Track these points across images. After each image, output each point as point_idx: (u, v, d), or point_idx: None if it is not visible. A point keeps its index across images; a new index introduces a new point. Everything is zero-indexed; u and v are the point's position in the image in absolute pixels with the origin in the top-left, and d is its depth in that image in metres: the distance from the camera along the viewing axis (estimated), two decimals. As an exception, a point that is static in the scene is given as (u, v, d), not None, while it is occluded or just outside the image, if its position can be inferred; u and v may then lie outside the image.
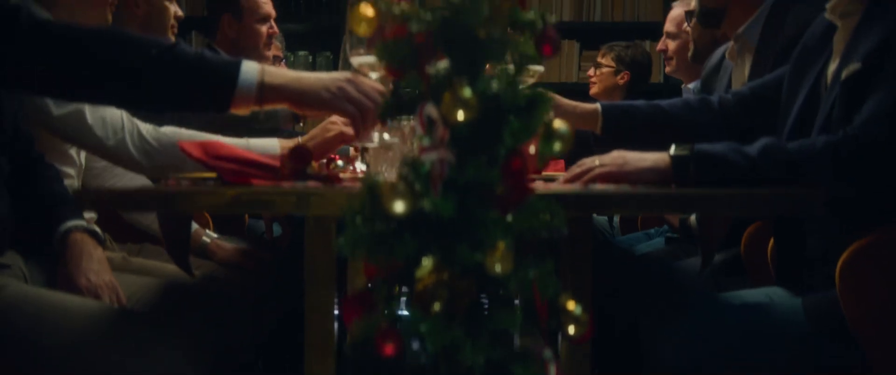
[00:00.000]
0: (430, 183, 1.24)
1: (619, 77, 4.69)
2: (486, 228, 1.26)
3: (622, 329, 2.48)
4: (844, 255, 1.76)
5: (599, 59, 4.75)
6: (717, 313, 1.99)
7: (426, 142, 1.24)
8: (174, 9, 3.11)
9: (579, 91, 5.65)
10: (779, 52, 2.53)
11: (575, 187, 1.65)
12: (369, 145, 1.96)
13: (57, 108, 2.34)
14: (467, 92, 1.22)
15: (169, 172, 2.40)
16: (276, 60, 4.43)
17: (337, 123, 2.46)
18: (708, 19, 2.88)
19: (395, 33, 1.31)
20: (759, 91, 2.41)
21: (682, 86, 4.17)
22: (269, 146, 2.53)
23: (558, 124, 1.33)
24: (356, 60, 1.96)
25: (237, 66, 1.76)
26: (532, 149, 1.29)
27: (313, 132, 2.54)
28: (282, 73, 1.81)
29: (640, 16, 6.40)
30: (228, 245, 2.71)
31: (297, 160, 1.79)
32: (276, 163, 1.81)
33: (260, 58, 3.80)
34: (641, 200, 1.55)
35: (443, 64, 1.27)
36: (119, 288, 2.13)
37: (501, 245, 1.25)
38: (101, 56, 1.72)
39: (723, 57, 3.06)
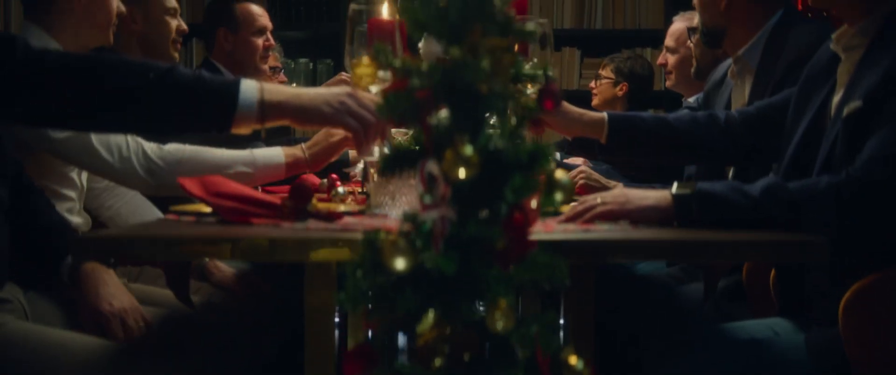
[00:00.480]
0: (431, 240, 1.23)
1: (618, 88, 4.69)
2: (487, 284, 1.26)
3: (623, 352, 2.48)
4: (847, 295, 1.75)
5: (600, 71, 4.76)
6: (720, 347, 1.98)
7: (428, 199, 1.24)
8: (176, 23, 3.06)
9: (580, 98, 5.62)
10: (779, 76, 2.53)
11: (577, 231, 1.64)
12: (370, 159, 1.96)
13: (60, 132, 2.34)
14: (469, 149, 1.21)
15: (174, 190, 2.40)
16: (274, 70, 4.42)
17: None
18: (709, 39, 2.88)
19: (397, 86, 1.31)
20: (765, 112, 2.42)
21: (683, 99, 4.16)
22: (273, 155, 2.54)
23: (559, 175, 1.32)
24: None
25: (236, 86, 1.76)
26: (534, 204, 1.29)
27: (317, 137, 2.55)
28: (281, 90, 1.81)
29: (641, 23, 6.38)
30: (227, 268, 2.71)
31: (299, 199, 1.78)
32: (277, 201, 1.80)
33: (256, 70, 3.81)
34: (647, 247, 1.54)
35: (444, 117, 1.27)
36: (141, 309, 2.14)
37: (503, 301, 1.25)
38: (99, 84, 1.71)
39: (726, 73, 3.05)
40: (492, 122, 1.28)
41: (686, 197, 1.77)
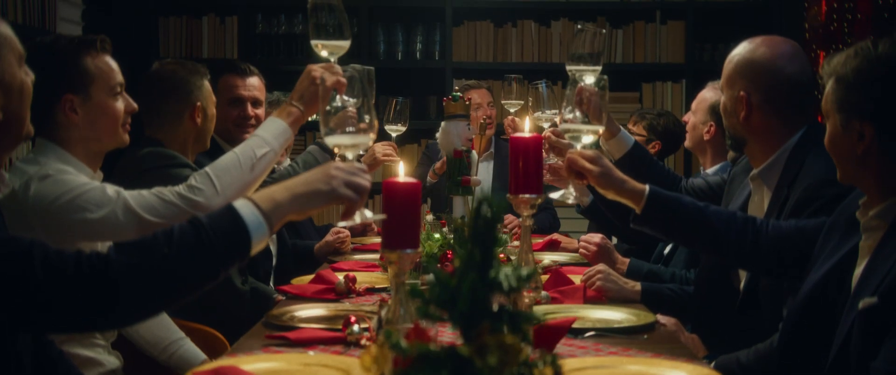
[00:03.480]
0: None
1: (650, 146, 4.69)
2: None
3: None
4: None
5: (631, 127, 4.73)
6: None
7: None
8: (122, 105, 2.69)
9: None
10: (789, 211, 2.52)
11: None
12: (349, 224, 2.03)
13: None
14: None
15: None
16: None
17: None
18: (733, 144, 2.84)
19: (403, 364, 1.34)
20: (796, 238, 2.41)
21: (701, 169, 4.16)
22: (276, 126, 2.66)
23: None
24: (331, 141, 2.04)
25: (238, 216, 1.81)
26: None
27: (298, 88, 2.68)
28: (272, 194, 1.88)
29: (661, 58, 6.37)
30: None
31: None
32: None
33: (230, 138, 3.82)
34: None
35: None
36: None
37: None
38: (122, 276, 1.73)
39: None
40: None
41: None
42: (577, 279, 3.15)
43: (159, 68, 3.38)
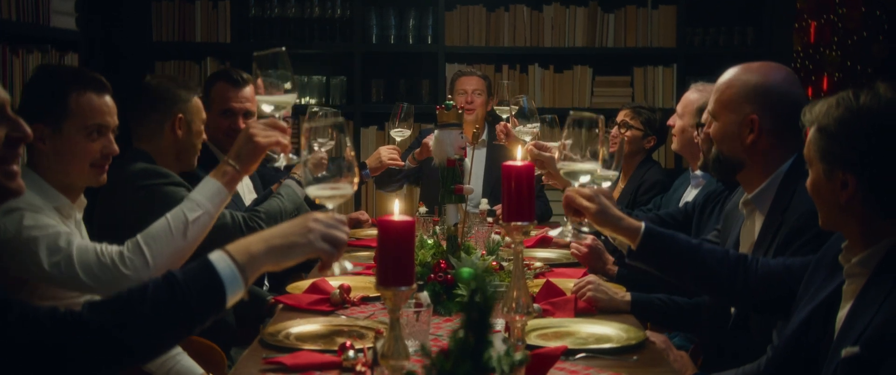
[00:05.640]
0: None
1: (646, 141, 4.74)
2: None
3: None
4: None
5: (629, 121, 4.75)
6: None
7: None
8: (97, 146, 2.64)
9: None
10: (782, 239, 2.57)
11: None
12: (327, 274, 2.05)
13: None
14: None
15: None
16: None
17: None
18: (721, 167, 2.82)
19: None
20: (783, 275, 2.46)
21: (690, 170, 4.21)
22: (210, 187, 2.61)
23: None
24: (312, 191, 2.03)
25: (213, 271, 1.81)
26: None
27: (236, 145, 2.63)
28: (248, 247, 1.87)
29: (652, 42, 6.40)
30: None
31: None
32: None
33: (223, 149, 3.84)
34: None
35: None
36: None
37: None
38: (96, 337, 1.75)
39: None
40: None
41: None
42: (568, 283, 3.21)
43: (149, 80, 3.41)
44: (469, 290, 1.29)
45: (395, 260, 1.95)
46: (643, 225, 2.52)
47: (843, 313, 2.08)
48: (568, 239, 2.67)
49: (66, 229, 2.53)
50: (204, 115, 3.37)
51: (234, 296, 1.85)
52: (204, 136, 3.38)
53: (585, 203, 2.48)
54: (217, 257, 1.84)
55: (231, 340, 3.36)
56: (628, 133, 4.70)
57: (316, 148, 2.07)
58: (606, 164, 2.56)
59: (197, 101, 3.33)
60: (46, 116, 2.56)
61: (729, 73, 2.79)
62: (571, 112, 2.53)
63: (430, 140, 4.65)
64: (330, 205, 2.06)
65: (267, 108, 2.55)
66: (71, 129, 2.58)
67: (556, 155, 2.58)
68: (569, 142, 2.48)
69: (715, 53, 6.43)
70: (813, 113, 2.12)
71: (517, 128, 3.77)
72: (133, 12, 6.24)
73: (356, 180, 2.04)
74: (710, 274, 2.54)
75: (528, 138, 3.68)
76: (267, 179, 4.20)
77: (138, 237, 2.52)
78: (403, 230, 1.96)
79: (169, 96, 3.28)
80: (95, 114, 2.61)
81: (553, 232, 2.61)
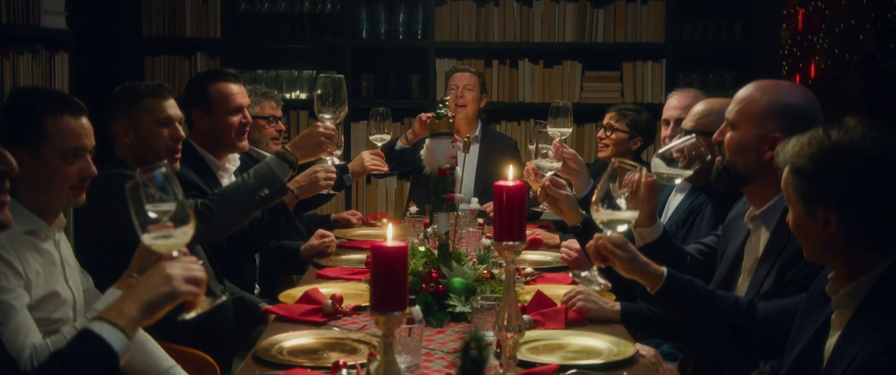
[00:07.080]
0: None
1: (632, 143, 4.76)
2: None
3: None
4: None
5: (614, 123, 4.76)
6: None
7: None
8: (76, 169, 2.61)
9: (581, 110, 5.72)
10: (785, 261, 2.60)
11: None
12: (194, 316, 2.11)
13: None
14: None
15: None
16: (273, 120, 4.51)
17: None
18: (725, 178, 2.81)
19: None
20: (779, 317, 2.50)
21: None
22: (109, 296, 2.54)
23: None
24: (146, 238, 2.08)
25: (100, 340, 1.95)
26: None
27: (134, 260, 2.58)
28: (121, 308, 2.01)
29: (642, 37, 6.42)
30: None
31: None
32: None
33: (233, 147, 3.90)
34: None
35: None
36: None
37: None
38: None
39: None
40: None
41: None
42: (559, 290, 3.24)
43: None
44: (463, 344, 1.32)
45: (387, 285, 1.99)
46: (666, 271, 2.55)
47: (831, 342, 2.10)
48: (596, 289, 2.70)
49: (12, 293, 2.44)
50: (159, 114, 3.30)
51: (123, 356, 2.00)
52: (181, 133, 3.35)
53: (617, 252, 2.49)
54: (99, 326, 1.99)
55: (222, 347, 3.37)
56: (613, 136, 4.73)
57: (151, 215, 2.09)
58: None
59: (145, 103, 3.29)
60: (23, 141, 2.53)
61: (755, 87, 2.78)
62: (614, 159, 2.57)
63: (424, 116, 4.69)
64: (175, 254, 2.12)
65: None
66: (49, 154, 2.56)
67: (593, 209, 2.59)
68: (610, 185, 2.50)
69: (704, 48, 6.48)
70: (786, 152, 2.12)
71: (537, 162, 3.80)
72: (123, 7, 6.23)
73: (191, 226, 2.11)
74: (722, 321, 2.58)
75: (548, 174, 3.68)
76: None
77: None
78: (396, 256, 1.99)
79: (113, 105, 3.32)
80: (72, 137, 2.58)
81: (579, 277, 2.65)
